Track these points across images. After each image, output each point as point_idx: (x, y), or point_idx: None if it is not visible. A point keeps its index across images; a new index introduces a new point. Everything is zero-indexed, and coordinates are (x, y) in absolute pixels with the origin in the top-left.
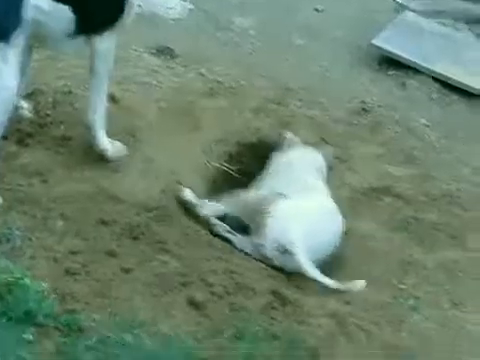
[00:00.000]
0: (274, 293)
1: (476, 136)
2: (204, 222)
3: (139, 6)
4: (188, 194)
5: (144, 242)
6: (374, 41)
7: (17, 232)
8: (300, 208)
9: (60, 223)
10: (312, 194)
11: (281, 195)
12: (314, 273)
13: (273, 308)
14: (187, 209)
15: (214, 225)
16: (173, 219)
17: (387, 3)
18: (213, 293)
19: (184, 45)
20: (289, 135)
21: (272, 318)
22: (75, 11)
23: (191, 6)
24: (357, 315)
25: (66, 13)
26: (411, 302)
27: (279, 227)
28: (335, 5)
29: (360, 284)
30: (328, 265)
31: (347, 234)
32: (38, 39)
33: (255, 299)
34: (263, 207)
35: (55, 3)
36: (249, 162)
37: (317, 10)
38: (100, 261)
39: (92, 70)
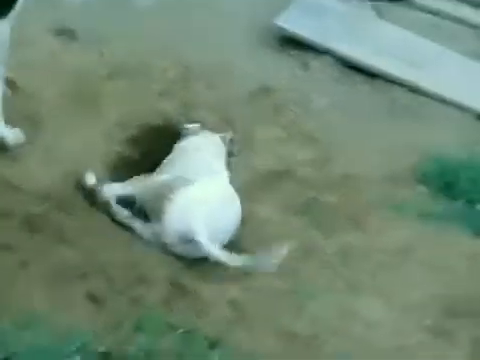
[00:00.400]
0: (173, 284)
1: (377, 117)
2: (105, 209)
3: None
4: (90, 178)
5: (42, 233)
6: (276, 21)
7: None
8: (201, 194)
9: None
10: (214, 179)
11: (184, 180)
12: (222, 255)
13: (173, 299)
14: (89, 197)
15: (115, 211)
16: (74, 208)
17: None
18: (112, 285)
19: (84, 26)
20: (191, 126)
21: (172, 309)
22: None
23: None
24: (256, 302)
25: None
26: (309, 288)
27: (180, 215)
28: None
29: (283, 250)
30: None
31: (245, 220)
32: None
33: (155, 291)
34: (165, 193)
35: None
36: (152, 146)
37: None
38: None
39: None
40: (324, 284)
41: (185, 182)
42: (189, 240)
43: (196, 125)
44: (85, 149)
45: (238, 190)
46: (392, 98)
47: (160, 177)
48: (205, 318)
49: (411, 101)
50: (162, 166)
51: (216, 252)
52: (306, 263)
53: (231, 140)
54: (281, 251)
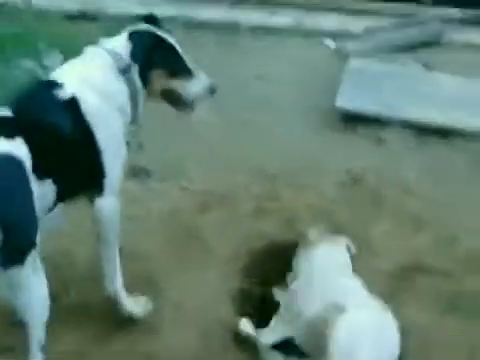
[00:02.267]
0: None
1: (467, 177)
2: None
3: None
4: (245, 326)
5: None
6: (337, 103)
7: None
8: (360, 323)
9: None
10: (363, 299)
11: (335, 308)
12: None
13: None
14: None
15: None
16: None
17: (324, 57)
18: None
19: (150, 158)
20: (313, 232)
21: None
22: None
23: None
24: None
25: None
26: None
27: (345, 353)
28: (276, 71)
29: None
30: None
31: (402, 329)
32: None
33: None
34: (322, 328)
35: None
36: (268, 270)
37: (260, 77)
38: None
39: (99, 239)
40: None
41: (337, 311)
42: None
43: (318, 230)
44: (210, 295)
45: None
46: (477, 153)
47: (308, 312)
48: None
49: None
50: (296, 292)
51: None
52: None
53: (347, 246)
54: None
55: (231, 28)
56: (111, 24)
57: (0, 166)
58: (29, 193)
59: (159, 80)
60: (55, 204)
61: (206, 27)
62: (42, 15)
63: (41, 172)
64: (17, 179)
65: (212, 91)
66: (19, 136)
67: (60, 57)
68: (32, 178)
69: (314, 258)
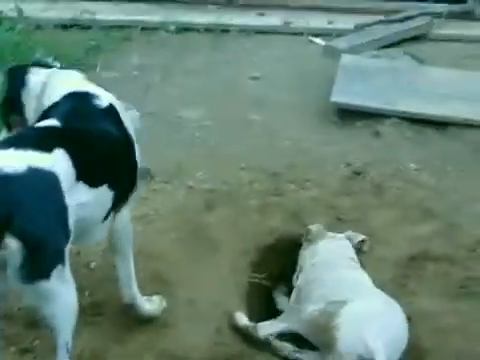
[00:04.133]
0: None
1: (464, 165)
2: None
3: None
4: (241, 318)
5: None
6: (333, 98)
7: None
8: (365, 312)
9: None
10: (368, 291)
11: (339, 302)
12: None
13: None
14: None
15: (277, 348)
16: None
17: (315, 55)
18: None
19: (153, 159)
20: (315, 227)
21: None
22: (112, 187)
23: (137, 113)
24: None
25: (107, 193)
26: None
27: (353, 339)
28: (269, 70)
29: None
30: None
31: (413, 317)
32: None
33: None
34: (328, 322)
35: (95, 188)
36: (276, 265)
37: (255, 78)
38: None
39: (115, 250)
40: None
41: (341, 304)
42: None
43: (319, 225)
44: (221, 291)
45: (384, 287)
46: (472, 142)
47: (313, 307)
48: None
49: None
50: (301, 288)
51: None
52: None
53: (362, 241)
54: None
55: (222, 30)
56: (104, 32)
57: (26, 182)
58: (59, 207)
59: None
60: (109, 212)
61: (198, 31)
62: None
63: (96, 179)
64: (45, 194)
65: None
66: (61, 147)
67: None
68: (79, 188)
69: (317, 252)
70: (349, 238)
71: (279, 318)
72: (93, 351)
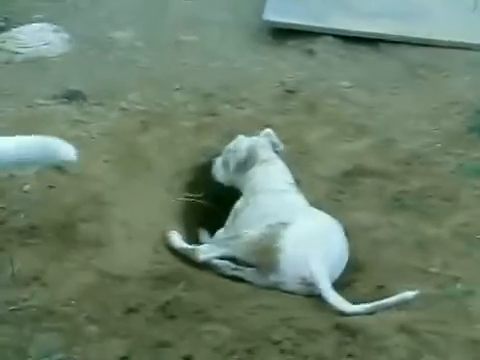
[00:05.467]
0: (338, 328)
1: (397, 82)
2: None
3: (17, 53)
4: (177, 241)
5: (183, 317)
6: (265, 16)
7: (58, 356)
8: (307, 235)
9: (92, 328)
10: (307, 212)
11: (280, 224)
12: (341, 303)
13: (346, 344)
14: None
15: (218, 267)
16: (192, 278)
17: None
18: (283, 351)
19: (84, 81)
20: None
21: (349, 355)
22: None
23: (66, 34)
24: (422, 320)
25: None
26: (460, 287)
27: (297, 261)
28: None
29: (407, 295)
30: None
31: (351, 232)
32: None
33: (324, 341)
34: (269, 244)
35: None
36: (209, 184)
37: None
38: (155, 355)
39: None
40: (468, 276)
41: (282, 226)
42: (310, 284)
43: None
44: (157, 211)
45: (320, 203)
46: (404, 59)
47: (252, 230)
48: (387, 354)
49: (424, 57)
50: (237, 213)
51: (333, 298)
52: (433, 258)
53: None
54: (405, 297)
55: None
56: None
57: None
58: None
59: None
60: None
61: None
62: None
63: None
64: None
65: None
66: None
67: None
68: None
69: (253, 177)
70: (268, 134)
71: (217, 242)
72: (31, 271)
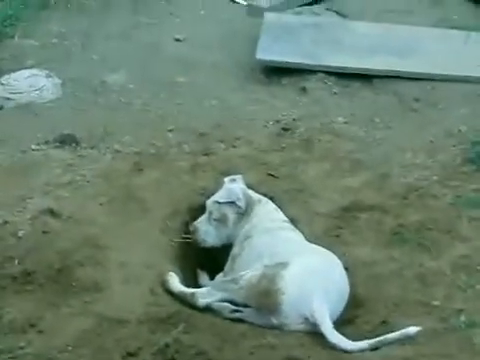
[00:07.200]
0: None
1: (391, 116)
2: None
3: (8, 99)
4: (175, 286)
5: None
6: (258, 56)
7: None
8: (307, 272)
9: None
10: (304, 250)
11: (278, 265)
12: (339, 340)
13: None
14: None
15: (218, 310)
16: (191, 320)
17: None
18: None
19: (77, 125)
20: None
21: None
22: None
23: (58, 79)
24: (427, 354)
25: None
26: (463, 319)
27: (299, 302)
28: (193, 32)
29: (410, 331)
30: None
31: (351, 268)
32: None
33: None
34: (269, 286)
35: None
36: None
37: (178, 40)
38: None
39: None
40: (469, 308)
41: (281, 266)
42: (312, 323)
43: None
44: (154, 253)
45: (319, 239)
46: (398, 93)
47: (251, 272)
48: None
49: (418, 90)
50: (235, 257)
51: (337, 338)
52: (434, 291)
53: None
54: (408, 332)
55: None
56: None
57: None
58: None
59: None
60: None
61: None
62: None
63: None
64: None
65: None
66: None
67: None
68: None
69: (249, 220)
70: (238, 179)
71: (216, 286)
72: (26, 319)
